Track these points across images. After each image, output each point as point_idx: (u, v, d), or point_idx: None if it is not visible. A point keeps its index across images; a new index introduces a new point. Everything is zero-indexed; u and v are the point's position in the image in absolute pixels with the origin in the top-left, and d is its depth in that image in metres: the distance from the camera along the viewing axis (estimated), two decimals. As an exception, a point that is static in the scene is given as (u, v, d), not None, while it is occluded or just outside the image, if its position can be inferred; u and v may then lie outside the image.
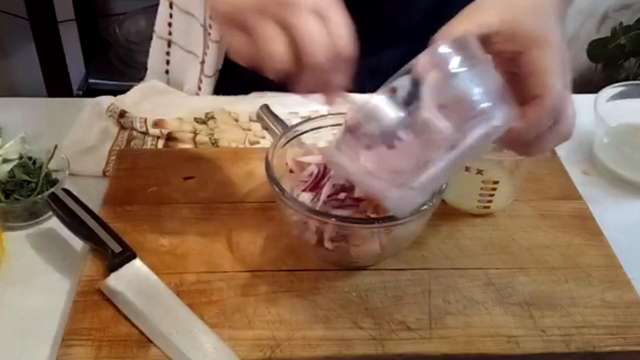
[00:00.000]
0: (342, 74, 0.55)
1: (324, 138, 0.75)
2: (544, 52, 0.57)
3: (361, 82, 0.96)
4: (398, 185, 0.57)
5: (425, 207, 0.65)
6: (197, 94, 1.02)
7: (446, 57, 0.55)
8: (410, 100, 0.55)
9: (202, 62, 0.99)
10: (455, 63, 0.55)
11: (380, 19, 0.95)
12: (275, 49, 0.52)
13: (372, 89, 0.88)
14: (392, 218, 0.65)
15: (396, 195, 0.58)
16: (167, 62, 1.05)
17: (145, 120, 0.91)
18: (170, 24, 1.02)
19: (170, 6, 1.01)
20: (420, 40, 0.98)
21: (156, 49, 1.06)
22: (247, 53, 0.54)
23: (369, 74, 0.96)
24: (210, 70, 0.99)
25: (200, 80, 1.01)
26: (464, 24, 0.58)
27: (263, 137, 0.91)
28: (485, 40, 0.57)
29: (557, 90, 0.57)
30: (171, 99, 0.98)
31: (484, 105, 0.55)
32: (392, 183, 0.57)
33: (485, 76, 0.56)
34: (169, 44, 1.03)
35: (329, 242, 0.67)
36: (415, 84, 0.55)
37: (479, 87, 0.55)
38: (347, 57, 0.54)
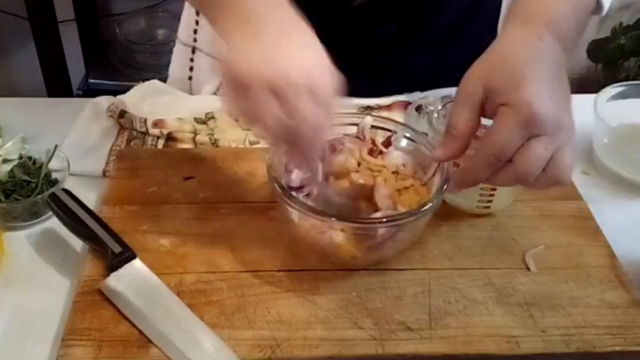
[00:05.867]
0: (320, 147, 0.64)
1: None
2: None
3: (397, 85, 0.98)
4: None
5: (426, 207, 0.65)
6: (215, 94, 1.01)
7: None
8: None
9: None
10: None
11: (413, 26, 0.98)
12: (273, 126, 0.59)
13: (407, 90, 0.97)
14: (394, 217, 0.66)
15: None
16: (191, 69, 1.05)
17: (145, 120, 0.91)
18: (195, 31, 1.02)
19: (197, 13, 1.01)
20: (449, 46, 1.01)
21: (179, 55, 1.05)
22: (246, 115, 0.61)
23: (405, 76, 0.98)
24: None
25: (221, 82, 1.00)
26: None
27: (263, 137, 0.91)
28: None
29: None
30: (171, 99, 0.98)
31: None
32: None
33: None
34: (194, 50, 1.03)
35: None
36: None
37: None
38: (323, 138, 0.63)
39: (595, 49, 2.05)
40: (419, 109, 0.93)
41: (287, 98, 0.58)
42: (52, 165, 0.80)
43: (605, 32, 2.06)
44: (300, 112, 0.58)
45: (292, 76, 0.58)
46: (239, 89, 0.59)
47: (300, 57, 0.59)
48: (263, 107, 0.59)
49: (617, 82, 0.94)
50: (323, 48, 0.61)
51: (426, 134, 0.76)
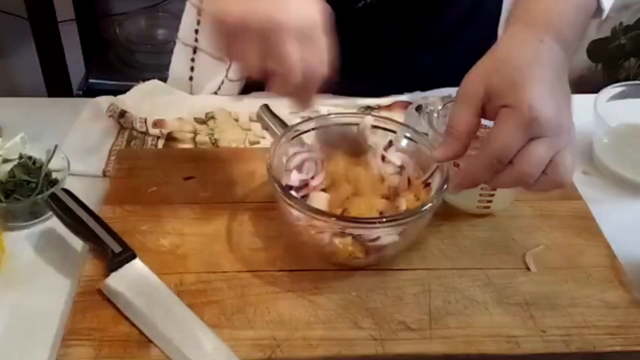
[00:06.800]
0: (313, 89, 0.64)
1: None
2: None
3: (398, 85, 0.99)
4: None
5: (426, 207, 0.65)
6: (215, 94, 1.02)
7: None
8: None
9: (228, 67, 1.00)
10: None
11: (415, 28, 0.98)
12: (261, 69, 0.61)
13: (408, 90, 0.99)
14: (394, 217, 0.66)
15: None
16: (192, 69, 1.05)
17: (145, 120, 0.91)
18: (197, 31, 1.02)
19: (199, 13, 1.01)
20: (450, 47, 1.02)
21: (180, 55, 1.05)
22: (235, 58, 0.63)
23: (405, 76, 0.99)
24: (235, 75, 0.99)
25: (222, 82, 1.01)
26: None
27: (263, 137, 0.91)
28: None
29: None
30: (171, 99, 0.98)
31: None
32: None
33: None
34: (195, 50, 1.03)
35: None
36: None
37: None
38: (319, 78, 0.62)
39: (595, 49, 2.05)
40: (419, 109, 0.93)
41: (274, 41, 0.59)
42: (52, 165, 0.80)
43: (605, 32, 2.07)
44: (288, 54, 0.59)
45: (278, 17, 0.58)
46: (227, 35, 0.60)
47: None
48: (251, 51, 0.59)
49: (617, 82, 0.94)
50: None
51: (426, 134, 0.76)
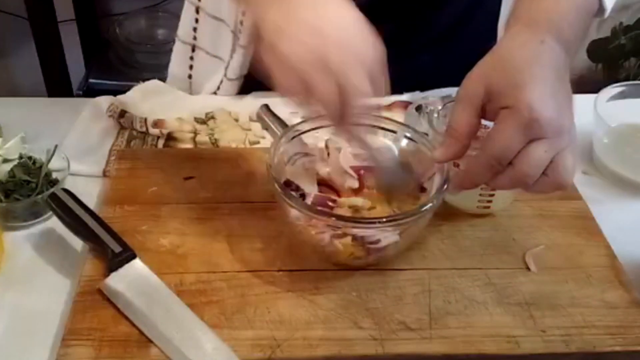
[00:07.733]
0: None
1: (324, 137, 0.75)
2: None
3: (397, 85, 0.99)
4: None
5: (426, 207, 0.65)
6: (215, 94, 1.02)
7: None
8: None
9: (227, 66, 1.00)
10: None
11: (413, 26, 0.98)
12: (327, 100, 0.59)
13: (407, 90, 0.99)
14: (394, 218, 0.66)
15: None
16: (191, 67, 1.05)
17: (145, 120, 0.91)
18: (195, 29, 1.02)
19: (197, 11, 1.01)
20: (449, 46, 1.03)
21: (179, 54, 1.05)
22: (299, 94, 0.61)
23: (405, 76, 0.99)
24: (233, 74, 0.98)
25: (221, 82, 1.01)
26: None
27: (263, 137, 0.91)
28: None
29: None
30: (171, 99, 0.98)
31: None
32: None
33: None
34: (193, 48, 1.03)
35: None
36: None
37: None
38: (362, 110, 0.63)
39: (595, 49, 2.06)
40: (419, 109, 0.93)
41: (338, 71, 0.58)
42: (52, 165, 0.80)
43: (605, 32, 2.07)
44: (352, 83, 0.59)
45: (338, 49, 0.58)
46: (286, 70, 0.59)
47: (341, 26, 0.60)
48: (315, 84, 0.58)
49: (617, 82, 0.95)
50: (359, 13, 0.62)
51: (426, 134, 0.76)
